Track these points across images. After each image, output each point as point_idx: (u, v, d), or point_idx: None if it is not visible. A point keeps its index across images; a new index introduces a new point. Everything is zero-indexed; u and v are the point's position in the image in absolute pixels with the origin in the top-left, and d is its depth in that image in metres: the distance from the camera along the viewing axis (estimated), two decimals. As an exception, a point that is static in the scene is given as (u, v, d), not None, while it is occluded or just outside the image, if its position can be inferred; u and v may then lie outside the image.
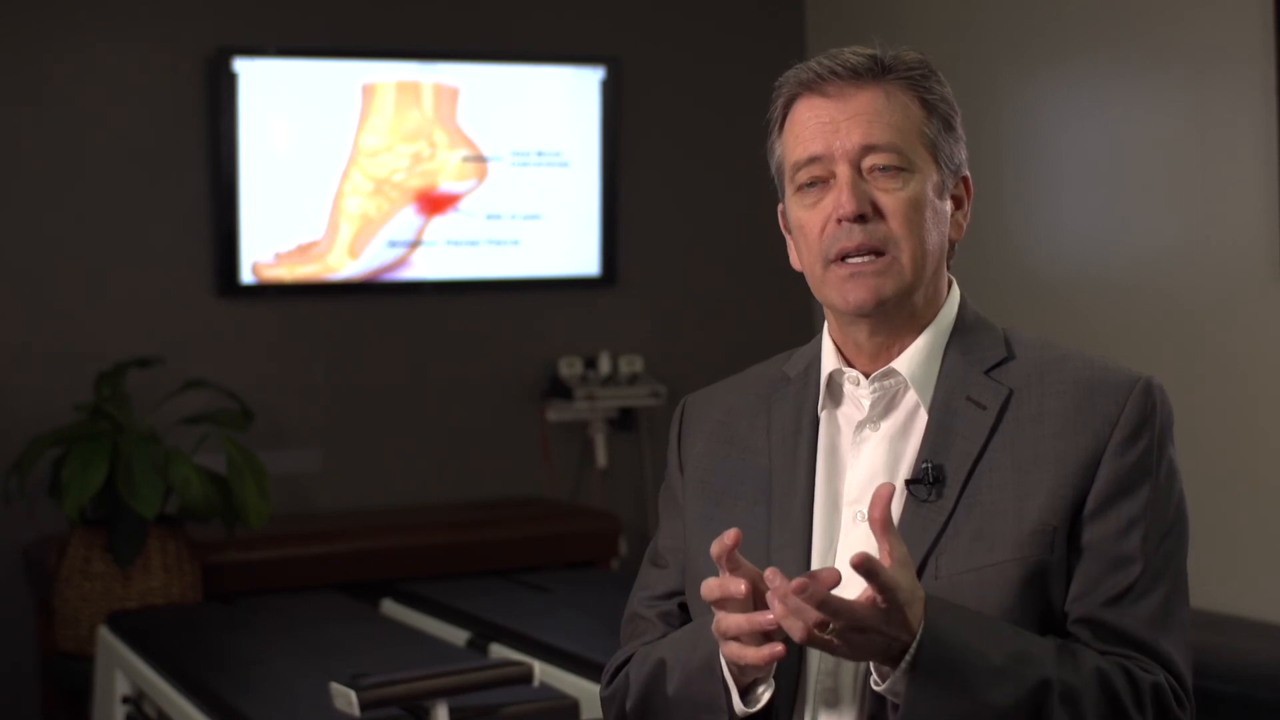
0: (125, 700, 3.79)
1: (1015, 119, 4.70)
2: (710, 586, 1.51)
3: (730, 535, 1.50)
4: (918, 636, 1.47)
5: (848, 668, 1.60)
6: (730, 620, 1.51)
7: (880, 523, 1.47)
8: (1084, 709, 1.53)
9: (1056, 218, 4.59)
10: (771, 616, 1.47)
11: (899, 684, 1.49)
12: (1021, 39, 4.67)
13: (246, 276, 4.79)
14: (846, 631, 1.45)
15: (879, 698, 1.54)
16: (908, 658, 1.47)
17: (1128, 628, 1.58)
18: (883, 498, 1.47)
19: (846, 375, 1.69)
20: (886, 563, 1.46)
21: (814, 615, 1.44)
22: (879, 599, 1.45)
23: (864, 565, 1.43)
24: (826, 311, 1.72)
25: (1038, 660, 1.52)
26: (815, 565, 1.65)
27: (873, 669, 1.52)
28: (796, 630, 1.45)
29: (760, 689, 1.60)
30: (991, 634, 1.52)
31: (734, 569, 1.50)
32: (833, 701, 1.61)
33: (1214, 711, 3.33)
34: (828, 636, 1.45)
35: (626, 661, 1.78)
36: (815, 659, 1.62)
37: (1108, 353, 1.71)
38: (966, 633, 1.50)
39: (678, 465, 1.82)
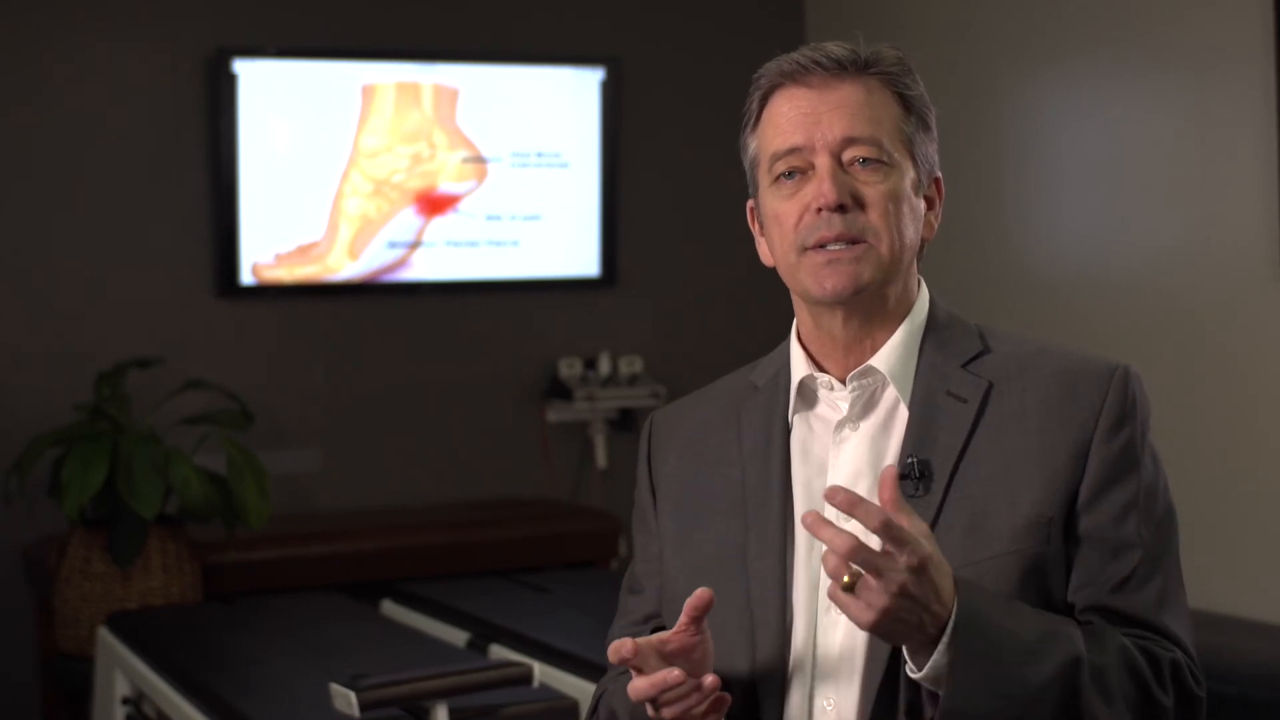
0: (125, 701, 3.79)
1: (1015, 119, 4.70)
2: (638, 688, 1.52)
3: (703, 595, 1.52)
4: (953, 615, 1.45)
5: (844, 672, 1.58)
6: (637, 686, 1.53)
7: (890, 503, 1.43)
8: (1111, 687, 1.52)
9: (1056, 218, 4.58)
10: (676, 674, 1.50)
11: (939, 665, 1.46)
12: (1021, 39, 4.67)
13: (246, 277, 4.79)
14: (892, 595, 1.41)
15: (913, 688, 1.51)
16: (946, 636, 1.45)
17: (1137, 611, 1.58)
18: (889, 482, 1.44)
19: (819, 381, 1.68)
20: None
21: (845, 540, 1.40)
22: (907, 555, 1.41)
23: (843, 497, 1.43)
24: (797, 310, 1.71)
25: (1067, 638, 1.51)
26: (799, 571, 1.63)
27: (907, 657, 1.49)
28: (829, 562, 1.43)
29: None
30: (1019, 613, 1.51)
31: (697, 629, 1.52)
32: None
33: (1214, 712, 3.31)
34: (852, 580, 1.42)
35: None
36: (809, 659, 1.61)
37: (1106, 352, 1.71)
38: (998, 611, 1.49)
39: (649, 486, 1.79)
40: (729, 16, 5.39)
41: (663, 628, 1.71)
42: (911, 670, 1.49)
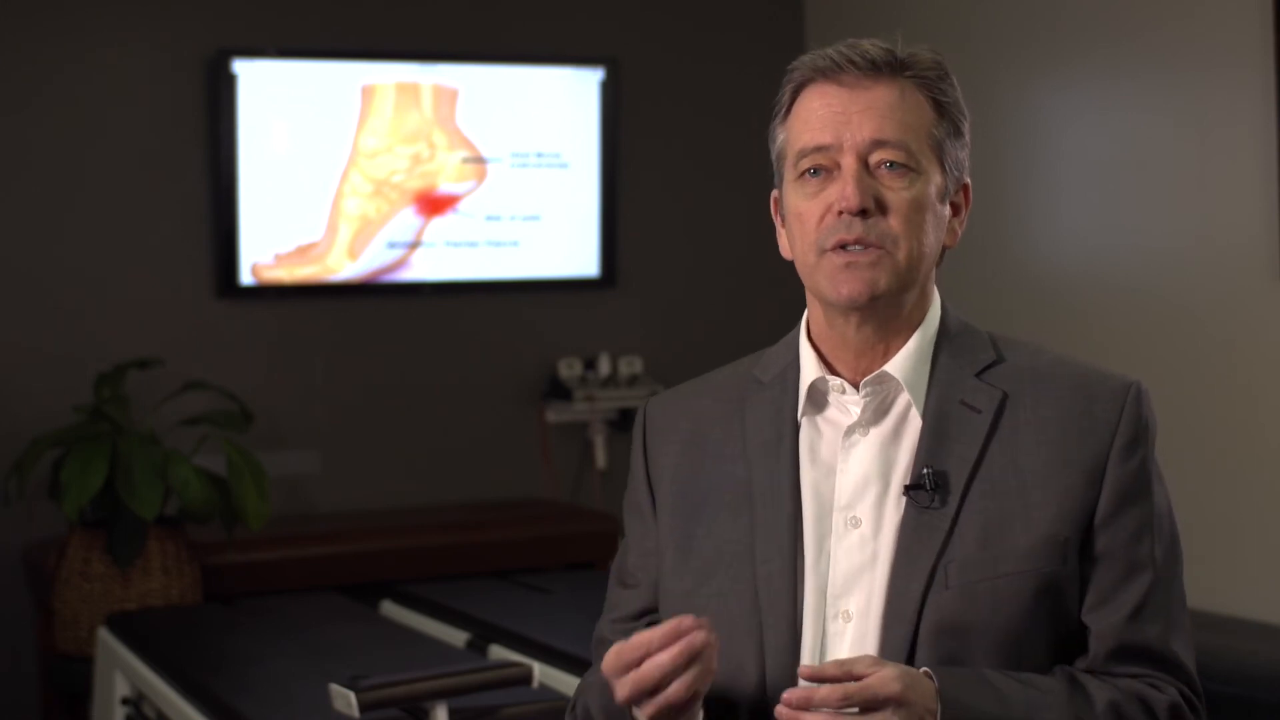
0: (125, 701, 3.79)
1: (1015, 119, 4.70)
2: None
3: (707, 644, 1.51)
4: (938, 713, 1.48)
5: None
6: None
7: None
8: None
9: (1056, 219, 4.58)
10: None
11: None
12: (1021, 39, 4.67)
13: (246, 278, 4.79)
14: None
15: None
16: None
17: (1150, 643, 1.58)
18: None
19: (831, 385, 1.66)
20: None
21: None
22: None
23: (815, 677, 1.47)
24: (810, 308, 1.69)
25: (1054, 708, 1.52)
26: (808, 575, 1.62)
27: None
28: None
29: None
30: (1002, 691, 1.52)
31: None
32: None
33: (1214, 712, 3.31)
34: None
35: None
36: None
37: (1107, 353, 1.72)
38: (981, 696, 1.50)
39: (645, 478, 1.75)
40: (729, 16, 5.39)
41: (658, 624, 1.66)
42: None
